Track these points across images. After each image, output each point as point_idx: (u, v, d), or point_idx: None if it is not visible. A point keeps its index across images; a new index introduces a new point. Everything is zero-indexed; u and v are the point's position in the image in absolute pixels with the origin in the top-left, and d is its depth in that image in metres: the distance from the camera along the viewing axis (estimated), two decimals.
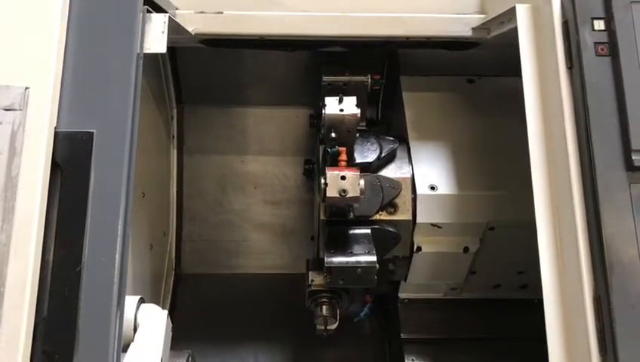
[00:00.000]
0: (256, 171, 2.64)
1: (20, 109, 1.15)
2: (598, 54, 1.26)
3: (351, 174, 1.69)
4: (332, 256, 1.73)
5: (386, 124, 2.22)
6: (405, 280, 2.01)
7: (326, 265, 1.72)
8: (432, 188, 1.86)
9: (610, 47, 1.26)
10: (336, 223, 1.83)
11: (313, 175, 2.30)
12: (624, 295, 1.13)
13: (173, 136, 2.55)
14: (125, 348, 1.24)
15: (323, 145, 1.91)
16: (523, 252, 1.95)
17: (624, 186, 1.19)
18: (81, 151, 1.16)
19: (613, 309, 1.12)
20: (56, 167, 1.15)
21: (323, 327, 1.87)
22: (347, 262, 1.72)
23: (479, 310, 2.13)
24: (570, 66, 1.28)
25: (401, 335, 2.10)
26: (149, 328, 1.30)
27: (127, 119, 1.20)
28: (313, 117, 2.35)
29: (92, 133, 1.17)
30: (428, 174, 1.89)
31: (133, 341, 1.27)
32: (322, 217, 1.86)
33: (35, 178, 1.12)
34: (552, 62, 1.31)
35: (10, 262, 1.08)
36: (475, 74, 2.13)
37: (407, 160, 1.93)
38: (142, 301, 1.34)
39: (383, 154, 1.89)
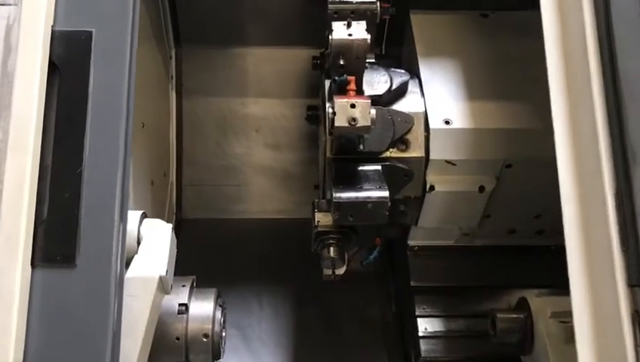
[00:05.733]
0: (257, 114, 2.36)
1: (15, 4, 1.06)
2: None
3: (361, 102, 1.43)
4: (341, 192, 1.48)
5: (392, 58, 1.93)
6: (416, 224, 1.75)
7: (334, 200, 1.47)
8: (447, 122, 1.60)
9: None
10: (343, 161, 1.57)
11: (317, 121, 2.03)
12: None
13: (172, 77, 2.26)
14: (128, 262, 1.17)
15: (329, 80, 1.65)
16: (541, 193, 1.71)
17: None
18: (80, 50, 1.05)
19: (635, 201, 0.96)
20: (53, 67, 1.04)
21: (331, 271, 1.62)
22: (357, 198, 1.47)
23: (493, 257, 1.87)
24: None
25: (411, 283, 1.84)
26: (153, 241, 1.22)
27: (127, 18, 1.08)
28: (316, 58, 2.08)
29: (91, 32, 1.06)
30: (442, 108, 1.63)
31: (137, 253, 1.18)
32: (329, 155, 1.59)
33: (32, 76, 1.01)
34: None
35: (7, 159, 0.99)
36: (488, 8, 1.85)
37: (419, 94, 1.66)
38: (144, 215, 1.25)
39: (393, 87, 1.62)
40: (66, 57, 1.05)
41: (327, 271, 1.64)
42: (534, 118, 1.60)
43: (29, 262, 0.97)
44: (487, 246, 1.87)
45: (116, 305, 1.00)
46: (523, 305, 1.49)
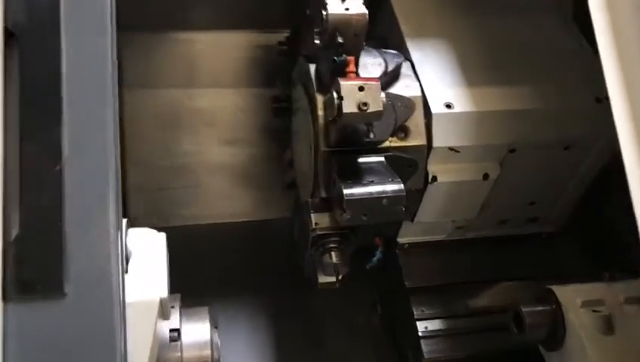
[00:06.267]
0: (208, 107, 2.11)
1: None
2: None
3: (371, 84, 1.26)
4: (351, 188, 1.30)
5: (378, 40, 1.76)
6: (412, 220, 1.59)
7: (346, 198, 1.28)
8: (448, 106, 1.45)
9: None
10: (345, 153, 1.39)
11: (288, 114, 1.82)
12: None
13: None
14: None
15: (314, 65, 1.47)
16: (540, 177, 1.62)
17: None
18: (43, 13, 0.80)
19: None
20: (9, 36, 0.78)
21: (334, 278, 1.43)
22: (371, 193, 1.30)
23: (486, 249, 1.74)
24: None
25: (405, 284, 1.67)
26: (145, 256, 1.02)
27: None
28: (282, 43, 1.87)
29: None
30: (440, 91, 1.48)
31: (126, 272, 0.95)
32: (324, 148, 1.40)
33: None
34: None
35: None
36: None
37: (412, 77, 1.50)
38: (129, 224, 1.01)
39: (389, 70, 1.46)
40: (26, 24, 0.80)
41: (328, 279, 1.45)
42: (536, 97, 1.50)
43: (0, 296, 0.73)
44: (479, 239, 1.74)
45: (122, 341, 0.77)
46: (548, 297, 1.36)
